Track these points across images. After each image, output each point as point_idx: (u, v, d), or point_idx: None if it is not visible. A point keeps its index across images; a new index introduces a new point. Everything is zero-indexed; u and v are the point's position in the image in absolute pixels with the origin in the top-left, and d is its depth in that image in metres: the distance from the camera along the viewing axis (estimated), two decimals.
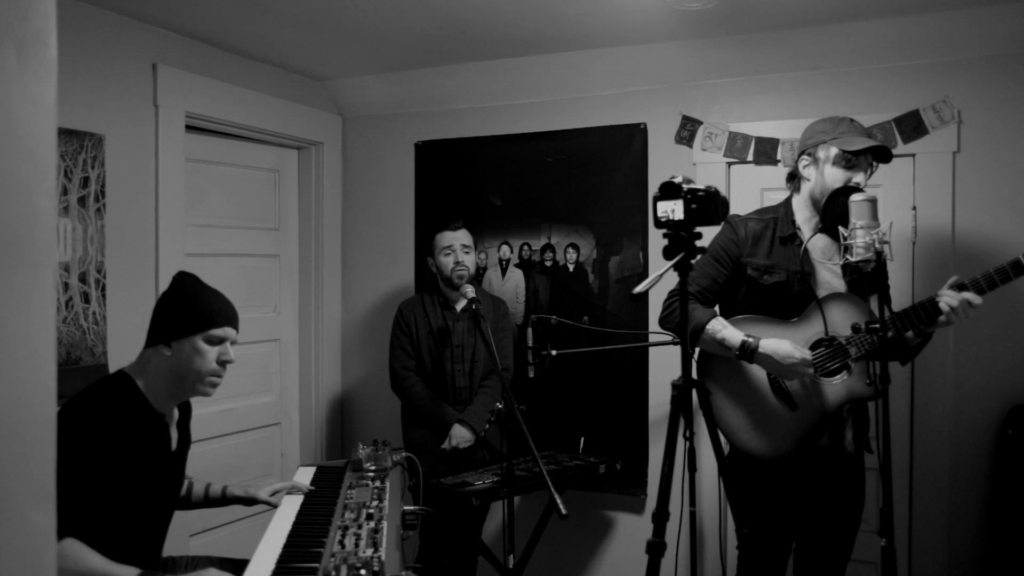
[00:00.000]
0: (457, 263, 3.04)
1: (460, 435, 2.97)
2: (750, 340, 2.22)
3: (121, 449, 1.82)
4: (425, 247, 3.20)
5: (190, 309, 1.93)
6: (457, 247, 3.06)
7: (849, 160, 2.22)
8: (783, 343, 2.20)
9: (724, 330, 2.27)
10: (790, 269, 2.30)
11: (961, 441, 2.85)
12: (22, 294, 0.54)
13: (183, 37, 3.05)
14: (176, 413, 2.07)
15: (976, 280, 2.15)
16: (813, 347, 2.26)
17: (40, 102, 0.55)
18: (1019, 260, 2.12)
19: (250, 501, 2.28)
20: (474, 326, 3.04)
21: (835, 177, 2.23)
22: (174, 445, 2.03)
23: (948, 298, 2.14)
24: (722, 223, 2.34)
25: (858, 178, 2.22)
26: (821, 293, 2.28)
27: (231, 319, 1.99)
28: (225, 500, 2.29)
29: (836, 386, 2.25)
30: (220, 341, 1.95)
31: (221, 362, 1.96)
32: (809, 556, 2.42)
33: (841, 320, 2.22)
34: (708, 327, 2.27)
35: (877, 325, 1.95)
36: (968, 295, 2.14)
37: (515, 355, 3.23)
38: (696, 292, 2.35)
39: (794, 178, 2.39)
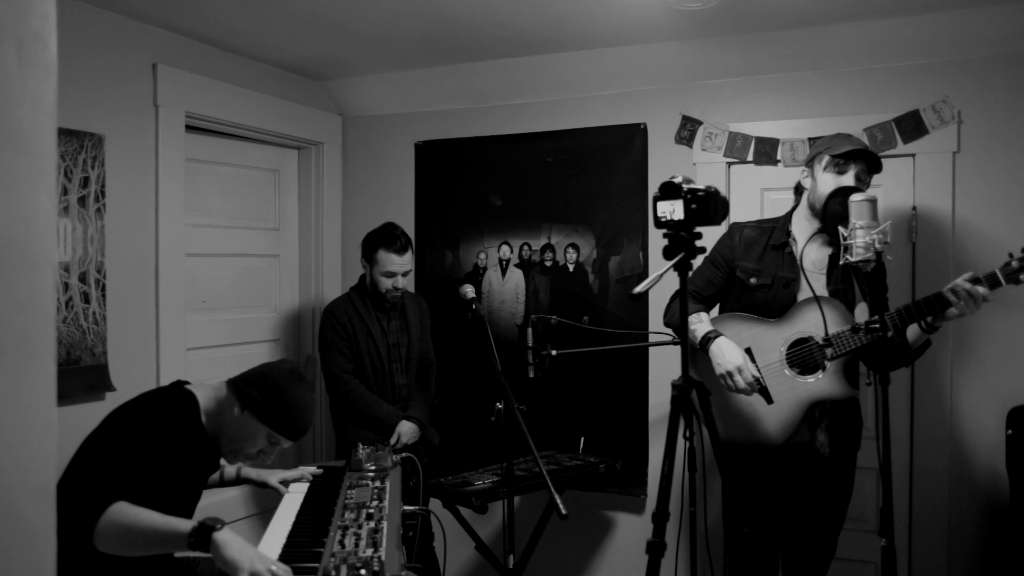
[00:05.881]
0: (395, 287, 3.06)
1: (409, 430, 3.05)
2: (709, 336, 2.36)
3: (178, 460, 1.90)
4: (366, 253, 3.09)
5: (288, 417, 1.98)
6: (399, 273, 3.06)
7: (839, 164, 2.34)
8: (735, 353, 2.29)
9: (697, 325, 2.42)
10: (776, 274, 2.43)
11: (961, 441, 2.85)
12: (22, 294, 0.54)
13: (183, 37, 3.05)
14: None
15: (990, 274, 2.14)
16: (792, 346, 2.35)
17: (40, 102, 0.55)
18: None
19: (261, 484, 2.41)
20: (402, 325, 3.15)
21: (827, 182, 2.36)
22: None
23: (953, 285, 2.14)
24: (725, 226, 2.46)
25: (848, 182, 2.31)
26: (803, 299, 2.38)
27: (302, 435, 2.06)
28: (239, 480, 2.43)
29: (809, 384, 2.31)
30: (276, 445, 2.04)
31: (261, 454, 2.04)
32: (792, 553, 2.49)
33: (818, 322, 2.30)
34: (688, 320, 2.33)
35: (876, 324, 1.96)
36: (981, 289, 2.12)
37: (515, 355, 3.24)
38: (691, 292, 2.48)
39: (798, 192, 2.53)
